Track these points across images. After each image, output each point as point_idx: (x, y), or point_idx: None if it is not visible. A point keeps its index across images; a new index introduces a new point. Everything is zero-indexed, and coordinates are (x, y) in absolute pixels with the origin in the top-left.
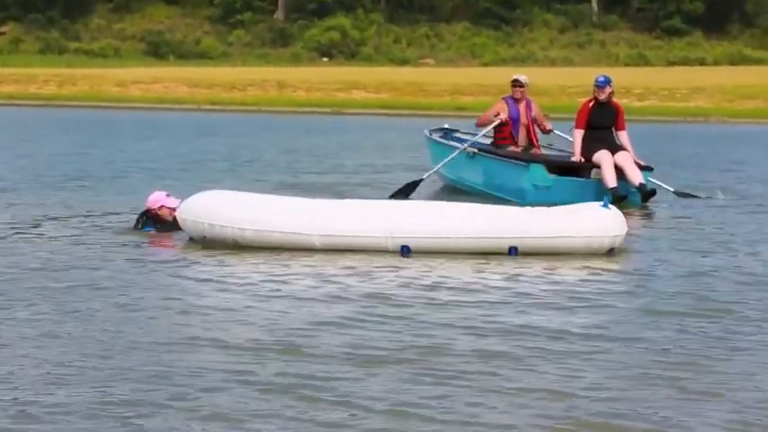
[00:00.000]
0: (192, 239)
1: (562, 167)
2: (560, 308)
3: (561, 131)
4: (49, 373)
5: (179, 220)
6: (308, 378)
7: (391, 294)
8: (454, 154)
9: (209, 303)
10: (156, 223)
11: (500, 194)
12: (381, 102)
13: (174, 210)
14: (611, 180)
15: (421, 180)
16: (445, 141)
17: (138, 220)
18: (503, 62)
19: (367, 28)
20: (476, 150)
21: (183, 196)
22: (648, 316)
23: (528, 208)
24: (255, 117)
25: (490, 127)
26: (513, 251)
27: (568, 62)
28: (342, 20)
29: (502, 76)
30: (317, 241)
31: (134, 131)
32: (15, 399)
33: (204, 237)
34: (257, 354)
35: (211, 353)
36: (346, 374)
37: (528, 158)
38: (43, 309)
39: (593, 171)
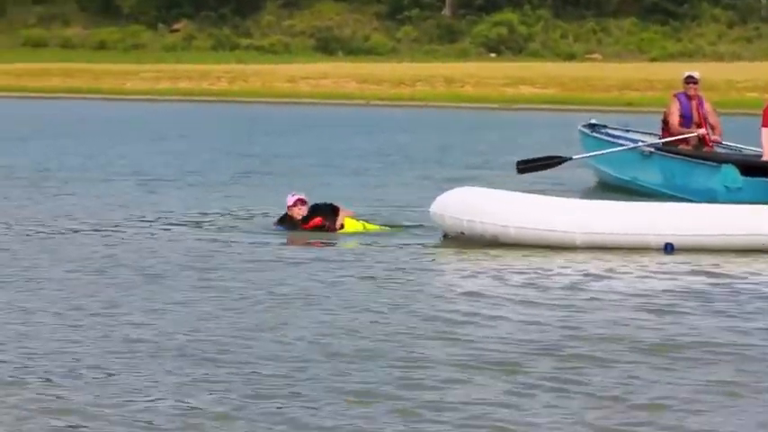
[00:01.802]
0: (445, 236)
1: (753, 168)
2: None
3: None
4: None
5: (434, 217)
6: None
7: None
8: (618, 149)
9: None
10: (285, 223)
11: (683, 195)
12: (549, 97)
13: (292, 206)
14: None
15: (568, 159)
16: (610, 138)
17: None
18: (670, 57)
19: (534, 23)
20: (653, 150)
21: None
22: None
23: None
24: (423, 112)
25: (681, 137)
26: None
27: (736, 57)
28: (509, 15)
29: (669, 71)
30: (578, 240)
31: (306, 126)
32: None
33: (462, 233)
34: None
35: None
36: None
37: (718, 159)
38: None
39: None
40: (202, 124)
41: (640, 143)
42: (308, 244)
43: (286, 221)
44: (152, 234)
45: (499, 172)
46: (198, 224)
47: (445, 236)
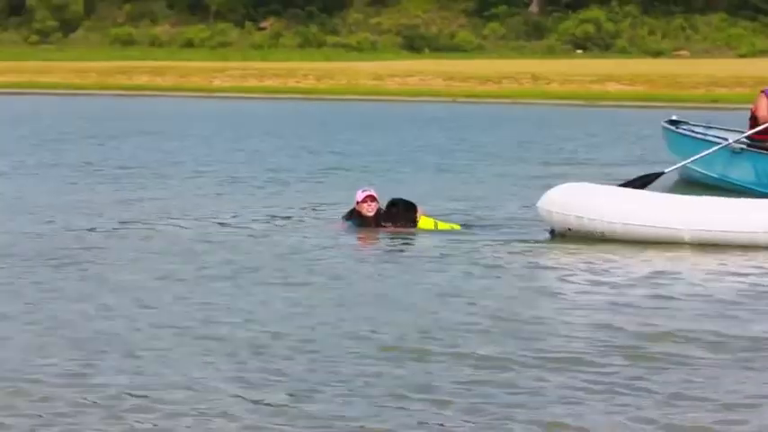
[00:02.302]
0: (552, 233)
1: None
2: None
3: None
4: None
5: (542, 212)
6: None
7: None
8: (714, 149)
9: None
10: (353, 218)
11: None
12: (636, 94)
13: (361, 203)
14: None
15: (662, 173)
16: (695, 134)
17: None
18: (760, 54)
19: (621, 20)
20: (744, 147)
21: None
22: None
23: None
24: (509, 109)
25: None
26: None
27: None
28: (596, 12)
29: (759, 67)
30: (686, 236)
31: (391, 123)
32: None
33: (569, 229)
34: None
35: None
36: None
37: None
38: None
39: None
40: (288, 121)
41: (730, 140)
42: (396, 241)
43: (354, 217)
44: (224, 231)
45: (584, 169)
46: (270, 221)
47: (552, 232)
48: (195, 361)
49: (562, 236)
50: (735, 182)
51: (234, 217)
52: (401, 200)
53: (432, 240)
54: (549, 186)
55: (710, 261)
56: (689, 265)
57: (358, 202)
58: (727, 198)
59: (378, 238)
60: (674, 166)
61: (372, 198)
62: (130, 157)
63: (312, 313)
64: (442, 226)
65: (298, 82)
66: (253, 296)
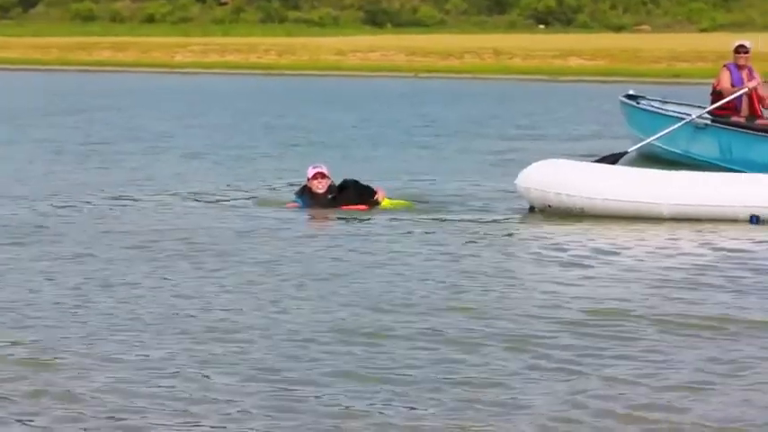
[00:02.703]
0: (531, 209)
1: None
2: None
3: None
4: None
5: (520, 189)
6: None
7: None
8: (678, 124)
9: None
10: (304, 195)
11: (740, 168)
12: (597, 69)
13: (311, 179)
14: None
15: (626, 152)
16: (657, 109)
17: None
18: (720, 28)
19: None
20: (708, 122)
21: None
22: None
23: None
24: (471, 84)
25: (734, 96)
26: None
27: None
28: None
29: (720, 42)
30: (665, 211)
31: (353, 99)
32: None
33: (548, 206)
34: None
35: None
36: None
37: None
38: None
39: None
40: (249, 97)
41: (693, 116)
42: (360, 220)
43: (305, 194)
44: (176, 207)
45: (544, 144)
46: (226, 199)
47: (531, 209)
48: (148, 343)
49: (541, 212)
50: (698, 157)
51: (190, 195)
52: (353, 181)
53: (386, 218)
54: (525, 163)
55: (688, 235)
56: (662, 241)
57: (308, 179)
58: (705, 173)
59: (327, 218)
60: (639, 144)
61: (322, 175)
62: (89, 134)
63: (264, 295)
64: (397, 204)
65: (259, 57)
66: (204, 278)
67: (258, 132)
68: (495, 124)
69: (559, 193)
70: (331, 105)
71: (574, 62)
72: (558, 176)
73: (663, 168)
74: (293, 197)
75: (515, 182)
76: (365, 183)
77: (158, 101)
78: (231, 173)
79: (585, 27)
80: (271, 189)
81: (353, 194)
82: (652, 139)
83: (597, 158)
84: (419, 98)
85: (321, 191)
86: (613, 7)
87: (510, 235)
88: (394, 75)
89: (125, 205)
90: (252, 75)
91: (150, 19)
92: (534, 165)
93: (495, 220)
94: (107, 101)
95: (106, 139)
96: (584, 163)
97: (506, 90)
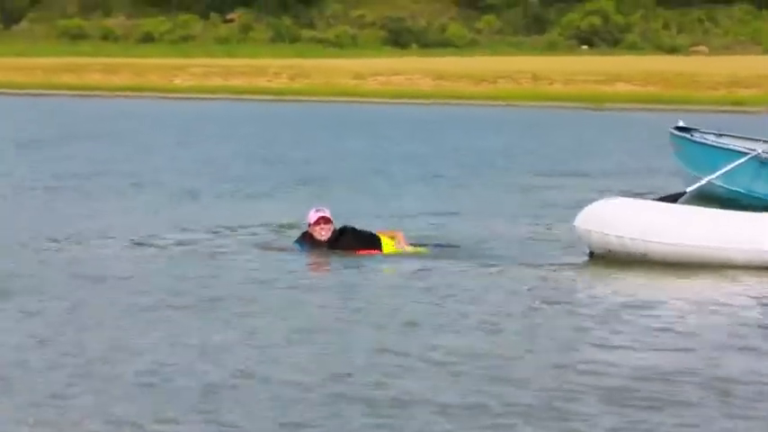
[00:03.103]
0: (591, 255)
1: None
2: None
3: None
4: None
5: (579, 231)
6: None
7: None
8: (743, 159)
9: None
10: (304, 242)
11: None
12: (647, 95)
13: (314, 225)
14: None
15: (683, 193)
16: (714, 143)
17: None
18: None
19: (632, 12)
20: None
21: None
22: None
23: None
24: (506, 112)
25: None
26: None
27: None
28: (604, 3)
29: None
30: (740, 258)
31: (373, 129)
32: None
33: (609, 250)
34: None
35: None
36: None
37: None
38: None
39: None
40: (254, 126)
41: (759, 150)
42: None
43: (306, 241)
44: (160, 253)
45: (585, 181)
46: (217, 242)
47: (591, 254)
48: (131, 394)
49: (602, 257)
50: (764, 196)
51: (177, 236)
52: (352, 229)
53: (411, 267)
54: (564, 203)
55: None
56: (743, 296)
57: (310, 224)
58: None
59: (329, 264)
60: (700, 182)
61: (326, 220)
62: (72, 166)
63: (261, 346)
64: (416, 251)
65: (268, 81)
66: (193, 329)
67: (262, 165)
68: (531, 158)
69: (621, 237)
70: (346, 135)
71: (621, 88)
72: (620, 217)
73: (729, 208)
74: (292, 245)
75: (574, 223)
76: (378, 228)
77: (152, 129)
78: (227, 212)
79: (635, 48)
80: (273, 231)
81: (353, 242)
82: (715, 175)
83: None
84: (447, 128)
85: (324, 238)
86: (666, 26)
87: (560, 286)
88: (419, 102)
89: (99, 252)
90: (259, 100)
91: (147, 38)
92: (595, 203)
93: (540, 267)
94: (95, 128)
95: (88, 173)
96: (647, 202)
97: (544, 119)
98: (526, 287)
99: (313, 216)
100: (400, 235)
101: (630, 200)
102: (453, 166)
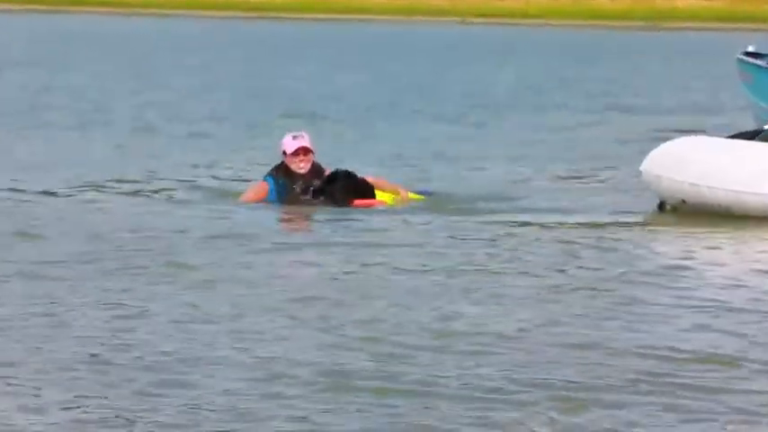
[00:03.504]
0: (661, 206)
1: None
2: None
3: None
4: None
5: (646, 178)
6: None
7: None
8: None
9: None
10: (278, 176)
11: None
12: (713, 11)
13: (292, 155)
14: None
15: (762, 131)
16: None
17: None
18: None
19: None
20: None
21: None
22: None
23: None
24: (540, 33)
25: None
26: None
27: None
28: None
29: None
30: None
31: (378, 53)
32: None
33: (683, 201)
34: None
35: None
36: None
37: None
38: None
39: None
40: (231, 48)
41: None
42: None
43: (280, 175)
44: (119, 202)
45: (633, 119)
46: (177, 188)
47: (661, 205)
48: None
49: (674, 210)
50: None
51: (133, 183)
52: (346, 173)
53: (420, 219)
54: (635, 144)
55: None
56: None
57: (286, 154)
58: None
59: (310, 220)
60: None
61: (306, 150)
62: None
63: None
64: (411, 197)
65: None
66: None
67: (237, 98)
68: (567, 89)
69: (698, 185)
70: (344, 62)
71: (681, 2)
72: (697, 161)
73: None
74: (263, 178)
75: (641, 167)
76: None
77: (105, 51)
78: (187, 155)
79: None
80: (239, 179)
81: (344, 191)
82: None
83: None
84: (465, 52)
85: (302, 170)
86: None
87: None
88: (432, 19)
89: (38, 200)
90: (237, 18)
91: None
92: (666, 144)
93: (588, 226)
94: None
95: (24, 106)
96: (728, 141)
97: (586, 41)
98: (565, 251)
99: (291, 144)
100: (403, 192)
101: (711, 139)
102: (472, 101)
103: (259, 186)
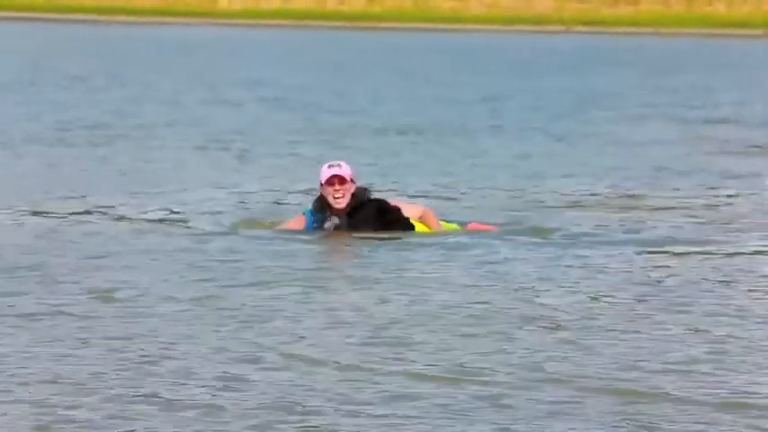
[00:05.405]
0: None
1: None
2: None
3: None
4: None
5: None
6: None
7: None
8: None
9: None
10: (316, 210)
11: None
12: None
13: (325, 185)
14: None
15: None
16: None
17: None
18: None
19: None
20: None
21: None
22: None
23: None
24: (650, 42)
25: None
26: None
27: None
28: None
29: None
30: None
31: (473, 64)
32: None
33: None
34: None
35: None
36: None
37: None
38: None
39: None
40: (320, 62)
41: None
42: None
43: (317, 208)
44: (149, 228)
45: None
46: (218, 215)
47: None
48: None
49: None
50: None
51: (165, 207)
52: (377, 201)
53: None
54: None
55: None
56: None
57: (322, 184)
58: None
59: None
60: None
61: (342, 180)
62: (76, 114)
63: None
64: (446, 227)
65: (340, 2)
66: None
67: (318, 114)
68: (677, 98)
69: None
70: (436, 73)
71: None
72: None
73: None
74: (301, 210)
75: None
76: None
77: (174, 63)
78: (245, 175)
79: None
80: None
81: (373, 218)
82: None
83: None
84: (571, 62)
85: (340, 205)
86: None
87: None
88: (533, 28)
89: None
90: (326, 28)
91: None
92: None
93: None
94: (112, 62)
95: (88, 123)
96: None
97: (699, 50)
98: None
99: (325, 173)
100: (429, 212)
101: None
102: (584, 112)
103: (294, 221)
